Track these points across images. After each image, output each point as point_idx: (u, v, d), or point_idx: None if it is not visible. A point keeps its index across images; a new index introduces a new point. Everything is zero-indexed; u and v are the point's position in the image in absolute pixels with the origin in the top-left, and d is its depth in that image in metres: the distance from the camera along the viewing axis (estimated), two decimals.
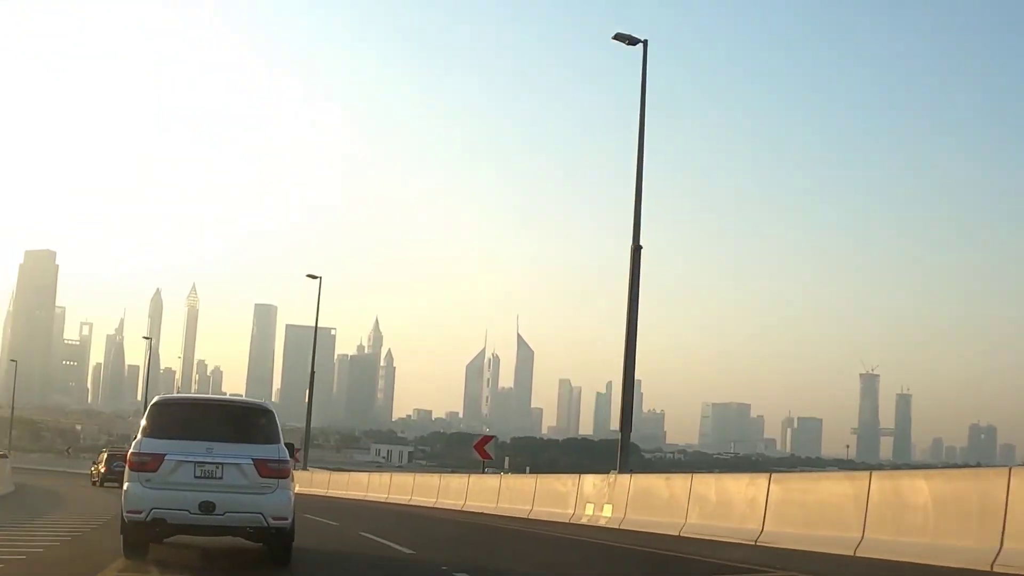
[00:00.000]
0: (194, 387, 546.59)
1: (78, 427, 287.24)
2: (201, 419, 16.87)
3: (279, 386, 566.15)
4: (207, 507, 15.65)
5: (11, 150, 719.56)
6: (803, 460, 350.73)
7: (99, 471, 66.09)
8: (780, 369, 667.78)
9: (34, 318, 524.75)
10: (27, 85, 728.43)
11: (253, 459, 16.07)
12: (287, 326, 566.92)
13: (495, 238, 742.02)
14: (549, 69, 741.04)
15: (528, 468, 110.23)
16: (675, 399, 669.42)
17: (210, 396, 19.18)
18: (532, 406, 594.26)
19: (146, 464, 15.90)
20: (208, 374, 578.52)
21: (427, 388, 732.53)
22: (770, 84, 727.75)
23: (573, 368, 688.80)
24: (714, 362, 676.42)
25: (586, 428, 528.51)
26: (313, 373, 54.56)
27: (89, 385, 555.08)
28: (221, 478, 15.89)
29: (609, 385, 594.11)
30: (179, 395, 19.68)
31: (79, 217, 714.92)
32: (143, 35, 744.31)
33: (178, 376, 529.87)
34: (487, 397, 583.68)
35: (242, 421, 17.07)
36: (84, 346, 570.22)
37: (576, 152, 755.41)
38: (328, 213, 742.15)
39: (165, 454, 15.88)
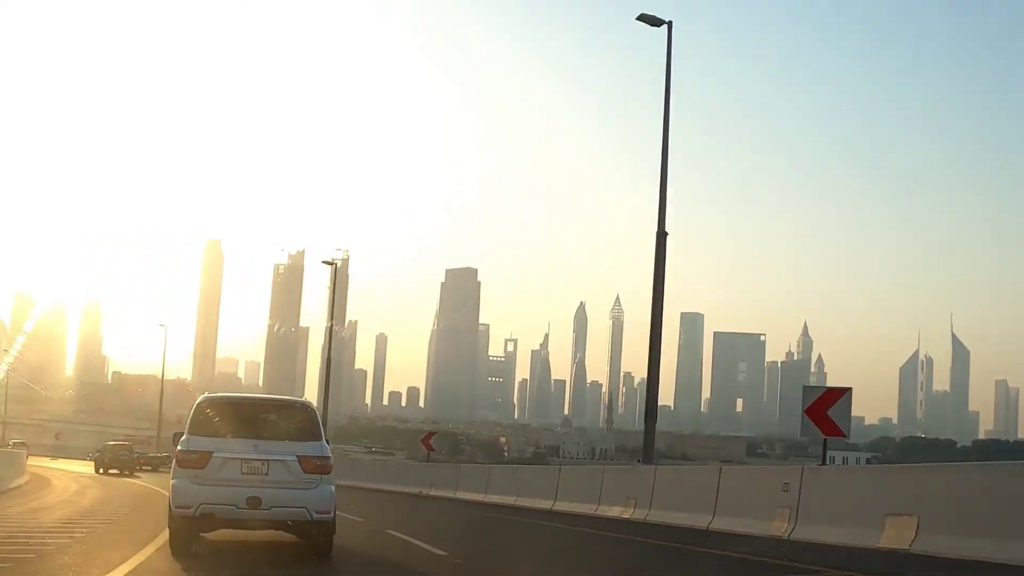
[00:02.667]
0: (621, 400, 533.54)
1: (502, 439, 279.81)
2: (246, 417, 17.44)
3: (707, 395, 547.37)
4: (254, 502, 16.24)
5: (430, 175, 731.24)
6: None
7: (103, 459, 73.00)
8: None
9: (458, 336, 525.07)
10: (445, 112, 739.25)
11: (297, 456, 16.64)
12: (715, 334, 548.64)
13: (924, 235, 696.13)
14: None
15: None
16: None
17: (254, 395, 19.80)
18: (969, 409, 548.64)
19: (194, 461, 16.48)
20: (635, 387, 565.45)
21: (859, 392, 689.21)
22: None
23: (1012, 367, 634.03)
24: None
25: None
26: None
27: (515, 401, 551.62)
28: (267, 474, 16.48)
29: None
30: (224, 394, 19.55)
31: (499, 236, 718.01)
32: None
33: (604, 389, 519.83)
34: (921, 401, 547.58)
35: (286, 419, 17.75)
36: (509, 362, 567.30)
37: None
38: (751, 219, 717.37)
39: (212, 451, 16.47)
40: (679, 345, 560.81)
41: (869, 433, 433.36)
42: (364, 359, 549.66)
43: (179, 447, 16.86)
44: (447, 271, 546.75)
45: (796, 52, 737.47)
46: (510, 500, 36.50)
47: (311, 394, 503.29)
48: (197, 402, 17.51)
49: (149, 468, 77.79)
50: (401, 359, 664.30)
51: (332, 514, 16.73)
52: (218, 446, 16.41)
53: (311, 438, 16.91)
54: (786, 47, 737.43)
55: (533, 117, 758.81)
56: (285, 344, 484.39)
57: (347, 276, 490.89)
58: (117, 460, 71.79)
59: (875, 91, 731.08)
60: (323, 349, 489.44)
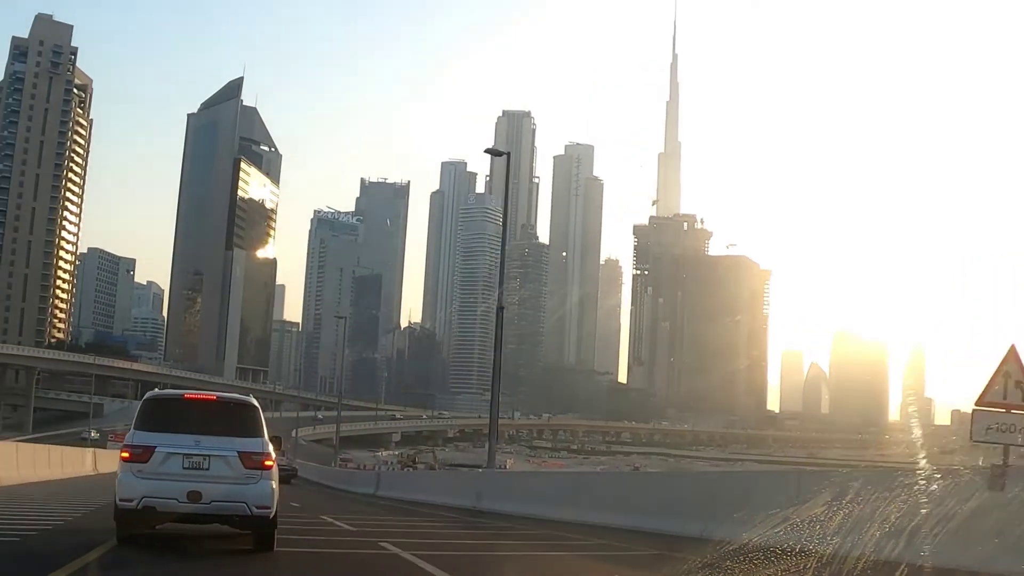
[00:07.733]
0: None
1: None
2: (190, 414, 17.56)
3: None
4: (194, 496, 16.43)
5: None
6: None
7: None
8: None
9: None
10: None
11: (238, 451, 16.85)
12: None
13: None
14: None
15: None
16: None
17: (198, 392, 20.34)
18: None
19: (138, 455, 16.70)
20: None
21: None
22: None
23: None
24: None
25: None
26: None
27: None
28: (208, 469, 16.66)
29: None
30: (169, 391, 20.58)
31: None
32: None
33: None
34: None
35: (228, 416, 17.69)
36: None
37: None
38: None
39: (155, 446, 16.67)
40: None
41: None
42: None
43: (124, 442, 17.19)
44: None
45: None
46: None
47: None
48: (143, 398, 17.88)
49: None
50: None
51: (272, 509, 16.89)
52: (161, 441, 16.62)
53: (252, 434, 17.12)
54: None
55: None
56: None
57: None
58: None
59: None
60: None
